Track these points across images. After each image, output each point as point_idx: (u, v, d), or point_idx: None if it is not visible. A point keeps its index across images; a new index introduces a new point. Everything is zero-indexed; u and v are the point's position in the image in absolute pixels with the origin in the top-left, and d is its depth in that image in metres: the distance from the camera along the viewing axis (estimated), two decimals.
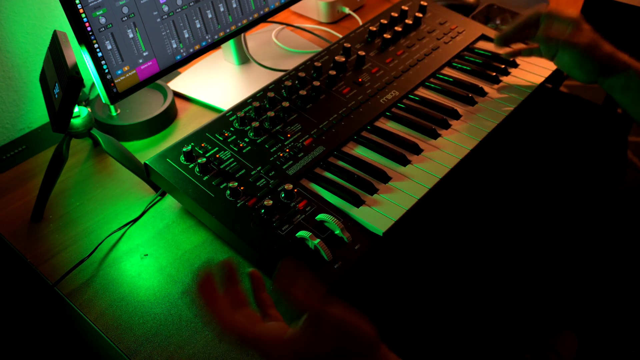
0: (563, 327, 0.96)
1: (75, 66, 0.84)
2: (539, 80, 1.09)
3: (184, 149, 0.88)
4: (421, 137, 0.97)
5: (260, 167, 0.89)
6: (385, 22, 1.16)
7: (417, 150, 0.94)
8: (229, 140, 0.92)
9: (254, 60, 1.22)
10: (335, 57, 1.06)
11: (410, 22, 1.17)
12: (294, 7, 1.42)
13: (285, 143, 0.93)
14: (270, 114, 0.95)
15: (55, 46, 0.88)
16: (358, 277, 0.80)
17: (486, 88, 1.07)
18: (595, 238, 1.08)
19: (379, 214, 0.84)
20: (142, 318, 0.78)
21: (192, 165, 0.88)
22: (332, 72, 1.03)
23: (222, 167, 0.88)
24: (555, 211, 1.14)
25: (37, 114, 1.15)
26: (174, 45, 0.99)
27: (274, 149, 0.92)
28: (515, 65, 1.13)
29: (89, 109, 0.96)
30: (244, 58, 1.23)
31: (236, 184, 0.84)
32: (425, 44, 1.15)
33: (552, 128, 1.29)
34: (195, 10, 1.01)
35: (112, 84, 0.93)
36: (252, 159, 0.90)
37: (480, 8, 1.36)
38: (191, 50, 1.02)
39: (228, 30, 1.07)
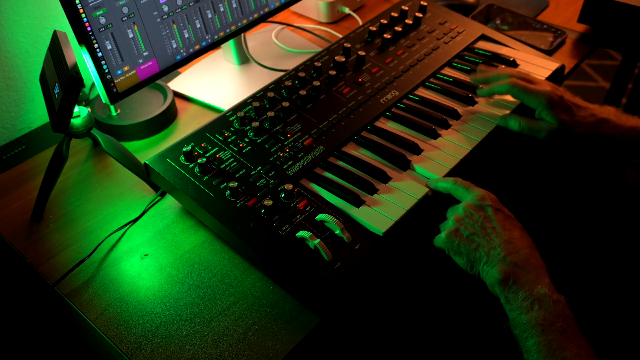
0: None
1: (75, 66, 0.84)
2: None
3: (184, 149, 0.88)
4: (421, 137, 0.97)
5: (260, 167, 0.89)
6: (385, 22, 1.16)
7: (417, 150, 0.94)
8: (229, 140, 0.92)
9: (254, 60, 1.22)
10: (335, 57, 1.07)
11: (410, 22, 1.17)
12: (294, 7, 1.42)
13: (285, 143, 0.93)
14: (270, 114, 0.95)
15: (55, 46, 0.88)
16: (358, 277, 0.80)
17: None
18: (595, 238, 1.08)
19: (379, 214, 0.84)
20: (142, 318, 0.78)
21: (192, 165, 0.88)
22: (332, 72, 1.03)
23: (222, 167, 0.88)
24: (555, 211, 1.14)
25: (37, 114, 1.15)
26: (174, 45, 0.99)
27: (274, 149, 0.92)
28: (516, 65, 1.13)
29: (89, 109, 0.96)
30: (244, 58, 1.23)
31: (236, 184, 0.84)
32: (425, 44, 1.15)
33: None
34: (195, 10, 1.01)
35: (112, 84, 0.93)
36: (252, 159, 0.90)
37: (480, 8, 1.36)
38: (191, 50, 1.02)
39: (228, 30, 1.07)
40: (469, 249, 0.77)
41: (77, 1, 0.85)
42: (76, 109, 0.93)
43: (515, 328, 0.71)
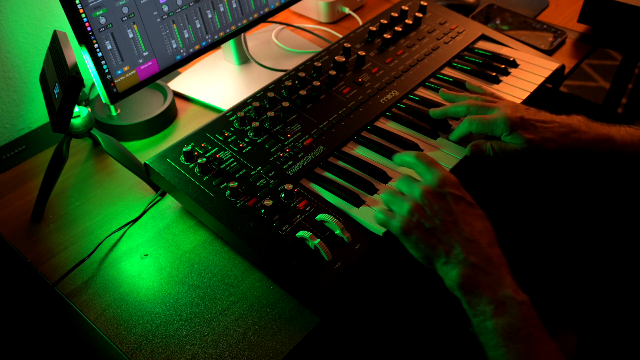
0: (563, 327, 0.96)
1: (75, 66, 0.84)
2: (539, 80, 1.09)
3: (184, 149, 0.88)
4: (421, 137, 0.97)
5: (260, 167, 0.89)
6: (385, 22, 1.16)
7: (417, 150, 0.94)
8: (229, 140, 0.92)
9: (254, 60, 1.22)
10: (335, 57, 1.07)
11: (410, 22, 1.17)
12: (294, 7, 1.42)
13: (285, 143, 0.93)
14: (270, 114, 0.95)
15: (55, 46, 0.88)
16: (358, 277, 0.80)
17: (486, 88, 1.07)
18: (595, 237, 1.08)
19: None
20: (142, 318, 0.78)
21: (192, 165, 0.88)
22: (332, 72, 1.03)
23: (222, 167, 0.88)
24: (555, 211, 1.14)
25: (37, 114, 1.15)
26: (174, 45, 0.99)
27: (274, 149, 0.92)
28: (516, 66, 1.13)
29: (89, 109, 0.96)
30: (244, 58, 1.23)
31: (236, 184, 0.84)
32: (425, 44, 1.15)
33: None
34: (195, 10, 1.01)
35: (112, 84, 0.93)
36: (252, 159, 0.90)
37: (480, 8, 1.36)
38: (191, 50, 1.02)
39: (228, 30, 1.07)
40: (428, 244, 0.73)
41: (77, 1, 0.85)
42: (76, 109, 0.93)
43: (480, 334, 0.68)
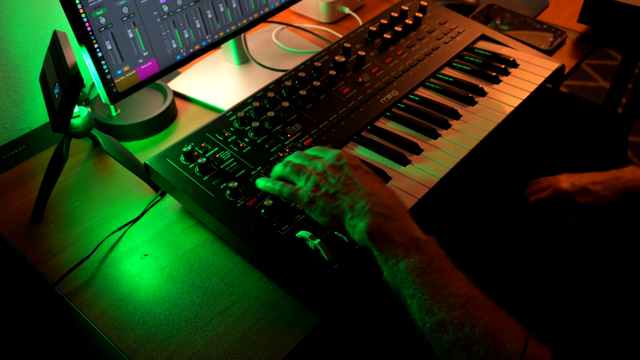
0: (561, 327, 0.96)
1: (75, 66, 0.84)
2: (539, 80, 1.09)
3: (184, 149, 0.88)
4: (421, 137, 0.97)
5: (260, 167, 0.89)
6: (385, 22, 1.16)
7: (417, 150, 0.94)
8: (229, 140, 0.92)
9: (254, 60, 1.22)
10: (335, 57, 1.07)
11: (410, 22, 1.17)
12: (294, 7, 1.42)
13: (285, 143, 0.93)
14: (270, 114, 0.95)
15: (55, 46, 0.88)
16: (358, 277, 0.80)
17: (486, 88, 1.07)
18: (594, 238, 1.08)
19: None
20: (142, 318, 0.78)
21: (192, 165, 0.88)
22: (332, 72, 1.03)
23: (222, 167, 0.88)
24: (555, 211, 1.14)
25: (37, 114, 1.15)
26: (174, 45, 0.99)
27: (274, 149, 0.92)
28: (516, 65, 1.13)
29: (89, 109, 0.96)
30: (244, 58, 1.23)
31: (236, 184, 0.84)
32: (425, 44, 1.15)
33: (553, 128, 1.29)
34: (195, 10, 1.01)
35: (112, 84, 0.93)
36: (252, 159, 0.90)
37: (480, 8, 1.36)
38: (191, 50, 1.02)
39: (228, 30, 1.07)
40: (334, 205, 0.76)
41: (77, 1, 0.85)
42: (76, 109, 0.93)
43: (394, 277, 0.70)
